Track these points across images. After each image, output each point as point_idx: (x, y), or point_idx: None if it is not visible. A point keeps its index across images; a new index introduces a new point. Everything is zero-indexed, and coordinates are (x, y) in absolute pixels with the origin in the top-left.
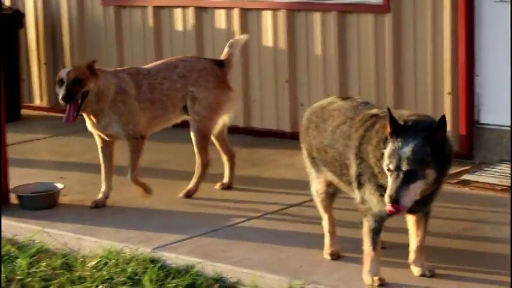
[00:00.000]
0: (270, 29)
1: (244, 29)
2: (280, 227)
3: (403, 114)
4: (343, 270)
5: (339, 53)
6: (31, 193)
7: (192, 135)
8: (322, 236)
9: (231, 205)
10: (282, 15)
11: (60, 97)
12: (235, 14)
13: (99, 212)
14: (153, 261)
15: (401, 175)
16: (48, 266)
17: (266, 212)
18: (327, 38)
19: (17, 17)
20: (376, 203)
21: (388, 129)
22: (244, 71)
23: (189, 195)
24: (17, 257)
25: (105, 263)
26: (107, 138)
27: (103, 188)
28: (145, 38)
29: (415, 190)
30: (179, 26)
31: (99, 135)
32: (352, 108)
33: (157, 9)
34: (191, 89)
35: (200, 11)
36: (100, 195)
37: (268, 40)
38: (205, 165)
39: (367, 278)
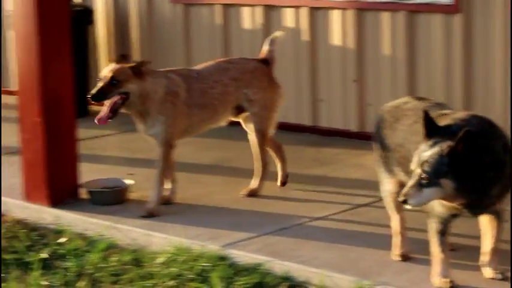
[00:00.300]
0: (338, 28)
1: (312, 28)
2: (348, 227)
3: (457, 117)
4: (412, 272)
5: (408, 53)
6: (101, 188)
7: (253, 135)
8: (391, 237)
9: (299, 204)
10: (350, 14)
11: (89, 94)
12: (304, 12)
13: (167, 208)
14: (221, 258)
15: (416, 176)
16: (118, 261)
17: (334, 211)
18: (395, 38)
19: (86, 14)
20: (437, 204)
21: (424, 131)
22: (311, 70)
23: (252, 194)
24: (87, 252)
25: (174, 260)
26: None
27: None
28: (213, 36)
29: (428, 195)
30: (247, 24)
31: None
32: (426, 108)
33: (225, 7)
34: (245, 91)
35: (268, 9)
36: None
37: (336, 39)
38: (267, 165)
39: (436, 280)
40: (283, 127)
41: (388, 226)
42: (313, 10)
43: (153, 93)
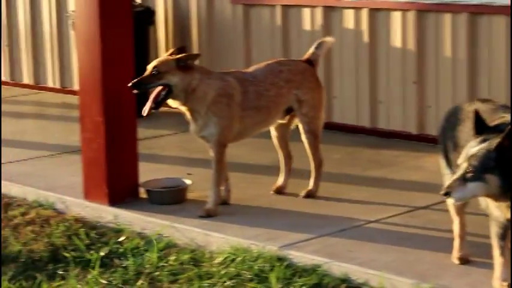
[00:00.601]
0: (399, 29)
1: (372, 30)
2: (406, 229)
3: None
4: (472, 275)
5: (469, 55)
6: (160, 188)
7: (304, 136)
8: (450, 239)
9: (357, 206)
10: (411, 15)
11: (130, 83)
12: (364, 14)
13: (225, 208)
14: (279, 259)
15: (461, 170)
16: (176, 261)
17: (392, 213)
18: (457, 40)
19: (147, 15)
20: (494, 208)
21: (473, 129)
22: (371, 71)
23: (311, 195)
24: (146, 251)
25: (232, 260)
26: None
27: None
28: (272, 37)
29: (472, 189)
30: (307, 25)
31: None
32: (490, 110)
33: (285, 8)
34: (295, 92)
35: (329, 10)
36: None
37: (396, 41)
38: (321, 164)
39: (496, 284)
40: (342, 128)
41: (448, 229)
42: (374, 11)
43: (202, 93)
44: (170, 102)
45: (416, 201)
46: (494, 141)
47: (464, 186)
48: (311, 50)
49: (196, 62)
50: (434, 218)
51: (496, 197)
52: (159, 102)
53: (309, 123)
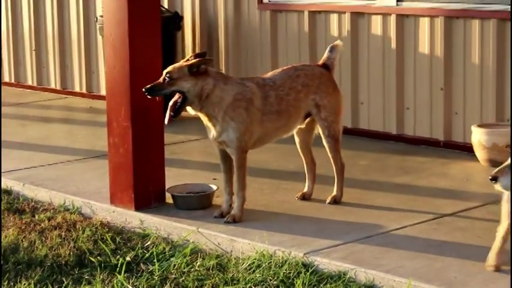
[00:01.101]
0: (427, 35)
1: (399, 36)
2: (434, 236)
3: None
4: (499, 283)
5: (497, 62)
6: (186, 193)
7: (325, 141)
8: (478, 247)
9: (383, 212)
10: (439, 22)
11: (144, 88)
12: (392, 20)
13: (251, 214)
14: (305, 265)
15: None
16: (202, 266)
17: (419, 220)
18: (485, 46)
19: (175, 20)
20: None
21: None
22: (399, 77)
23: (337, 201)
24: (172, 256)
25: (258, 265)
26: (219, 146)
27: (232, 200)
28: (300, 42)
29: None
30: (334, 31)
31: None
32: None
33: (313, 13)
34: (312, 97)
35: (356, 16)
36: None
37: (424, 47)
38: (343, 168)
39: None
40: (369, 135)
41: (475, 236)
42: (402, 17)
43: (218, 99)
44: (188, 109)
45: (443, 208)
46: None
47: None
48: (325, 54)
49: (221, 68)
50: (461, 225)
51: None
52: (177, 110)
53: (328, 128)
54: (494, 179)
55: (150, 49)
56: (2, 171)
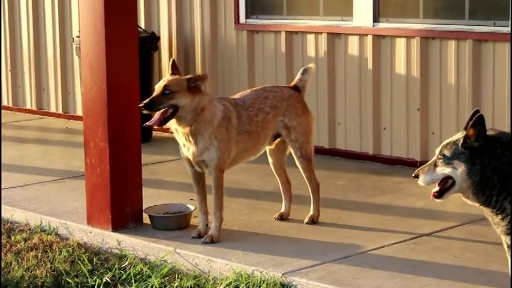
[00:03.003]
0: (403, 56)
1: (376, 56)
2: (411, 256)
3: None
4: None
5: (473, 82)
6: (163, 214)
7: (297, 162)
8: (455, 266)
9: (361, 232)
10: (415, 42)
11: (141, 104)
12: (368, 40)
13: (229, 234)
14: (283, 285)
15: (433, 158)
16: (179, 287)
17: (396, 240)
18: (461, 67)
19: (152, 40)
20: None
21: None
22: (375, 98)
23: (314, 221)
24: (149, 276)
25: (236, 286)
26: (196, 167)
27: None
28: (277, 62)
29: (440, 174)
30: (311, 52)
31: (191, 164)
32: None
33: (289, 34)
34: (281, 118)
35: (333, 36)
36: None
37: (400, 67)
38: (318, 187)
39: None
40: (345, 155)
41: (453, 256)
42: (378, 38)
43: (211, 115)
44: (171, 122)
45: (421, 228)
46: (463, 133)
47: (434, 171)
48: (297, 76)
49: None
50: (438, 245)
51: (467, 193)
52: (166, 119)
53: (300, 149)
54: (416, 176)
55: (127, 69)
56: None
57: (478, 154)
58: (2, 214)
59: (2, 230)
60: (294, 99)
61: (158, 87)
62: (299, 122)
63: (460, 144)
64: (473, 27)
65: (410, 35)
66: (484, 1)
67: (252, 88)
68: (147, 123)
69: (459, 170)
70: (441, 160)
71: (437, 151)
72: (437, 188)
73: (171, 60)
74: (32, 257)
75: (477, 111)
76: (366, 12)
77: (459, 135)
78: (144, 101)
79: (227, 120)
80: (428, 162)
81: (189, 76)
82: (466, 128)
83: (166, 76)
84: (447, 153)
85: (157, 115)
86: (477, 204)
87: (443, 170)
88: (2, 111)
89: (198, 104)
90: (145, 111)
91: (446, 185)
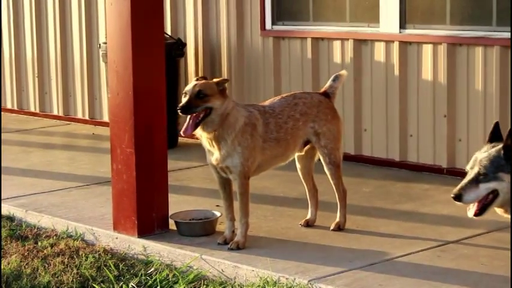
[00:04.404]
0: (430, 62)
1: (403, 62)
2: (438, 264)
3: None
4: None
5: (500, 89)
6: (189, 220)
7: (326, 168)
8: (482, 274)
9: (387, 239)
10: (442, 48)
11: (178, 107)
12: (395, 47)
13: (254, 240)
14: None
15: (472, 174)
16: None
17: (423, 247)
18: (488, 73)
19: (178, 46)
20: None
21: (488, 137)
22: (402, 104)
23: (340, 227)
24: (175, 283)
25: None
26: (221, 173)
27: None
28: (303, 69)
29: (485, 190)
30: (337, 58)
31: (217, 170)
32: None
33: (316, 40)
34: (311, 125)
35: (359, 43)
36: (238, 236)
37: (427, 74)
38: (345, 194)
39: None
40: (372, 162)
41: (479, 263)
42: (405, 44)
43: (234, 120)
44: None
45: (447, 235)
46: (500, 144)
47: (477, 188)
48: (328, 83)
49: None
50: (465, 253)
51: (507, 204)
52: (198, 123)
53: (329, 155)
54: (458, 197)
55: (154, 75)
56: (5, 197)
57: None
58: (29, 220)
59: (29, 235)
60: (324, 106)
61: (191, 91)
62: (329, 128)
63: (502, 155)
64: (500, 33)
65: (437, 42)
66: None
67: (281, 95)
68: (184, 133)
69: (505, 181)
70: (483, 175)
71: (471, 167)
72: (476, 207)
73: (223, 79)
74: (58, 262)
75: (497, 123)
76: (393, 18)
77: (491, 149)
78: (181, 104)
79: (251, 126)
80: (464, 181)
81: (217, 80)
82: (489, 140)
83: (193, 81)
84: (489, 167)
85: (189, 121)
86: None
87: (487, 185)
88: (29, 117)
89: (226, 108)
90: (182, 114)
91: (487, 201)
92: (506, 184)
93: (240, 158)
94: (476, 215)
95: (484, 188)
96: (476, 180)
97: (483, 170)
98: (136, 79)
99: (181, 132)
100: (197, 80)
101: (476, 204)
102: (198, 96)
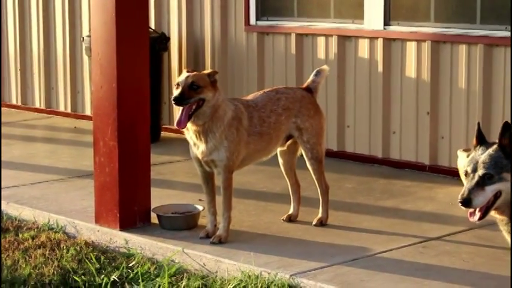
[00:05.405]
0: (414, 59)
1: (386, 59)
2: (420, 260)
3: None
4: None
5: (483, 87)
6: (171, 213)
7: (308, 163)
8: (463, 271)
9: (369, 235)
10: (426, 46)
11: (172, 98)
12: (379, 43)
13: (237, 235)
14: (291, 287)
15: (476, 178)
16: (187, 287)
17: (405, 243)
18: (471, 71)
19: (162, 40)
20: None
21: (475, 140)
22: (385, 101)
23: (323, 223)
24: (157, 276)
25: (244, 287)
26: (205, 166)
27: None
28: (286, 65)
29: (491, 192)
30: (321, 54)
31: (200, 164)
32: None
33: (300, 36)
34: (293, 120)
35: (343, 39)
36: (220, 231)
37: (411, 71)
38: (327, 190)
39: None
40: (354, 158)
41: (461, 260)
42: (389, 41)
43: (223, 113)
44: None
45: (429, 231)
46: (494, 145)
47: (484, 191)
48: (310, 78)
49: None
50: (447, 249)
51: (505, 205)
52: (191, 115)
53: (311, 150)
54: (466, 202)
55: (137, 69)
56: None
57: None
58: (11, 212)
59: (10, 227)
60: (307, 101)
61: (183, 82)
62: (311, 124)
63: (502, 155)
64: (484, 31)
65: (421, 39)
66: (496, 6)
67: (264, 90)
68: (178, 125)
69: (509, 181)
70: (487, 177)
71: (472, 170)
72: (480, 211)
73: (213, 71)
74: (39, 255)
75: (479, 124)
76: (377, 15)
77: (488, 150)
78: (174, 95)
79: (237, 120)
80: (470, 185)
81: (208, 71)
82: (478, 143)
83: (184, 72)
84: (491, 168)
85: (182, 113)
86: (505, 218)
87: (493, 186)
88: (11, 109)
89: (217, 99)
90: (176, 106)
91: (489, 203)
92: (509, 184)
93: (226, 151)
94: (480, 219)
95: (491, 190)
96: (482, 183)
97: (488, 171)
98: (120, 72)
99: (175, 125)
100: (188, 71)
101: (479, 208)
102: (191, 87)
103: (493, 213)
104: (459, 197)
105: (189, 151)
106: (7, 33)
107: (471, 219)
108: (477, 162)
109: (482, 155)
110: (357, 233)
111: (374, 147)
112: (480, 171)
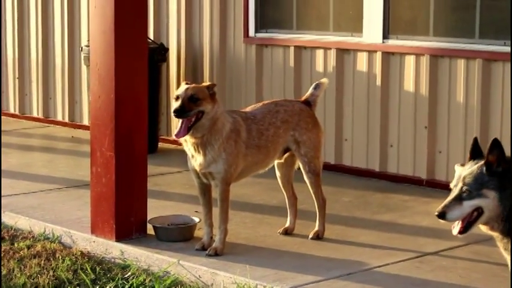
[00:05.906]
0: (412, 73)
1: (385, 73)
2: (416, 275)
3: None
4: None
5: (482, 101)
6: (167, 225)
7: (306, 176)
8: (460, 286)
9: (366, 249)
10: (425, 60)
11: (172, 110)
12: (378, 57)
13: (233, 247)
14: None
15: (456, 191)
16: None
17: (401, 258)
18: (470, 85)
19: (161, 51)
20: None
21: (469, 154)
22: (383, 114)
23: (319, 236)
24: (152, 287)
25: None
26: (202, 178)
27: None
28: (285, 77)
29: (469, 208)
30: (320, 67)
31: (198, 176)
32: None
33: (298, 49)
34: (291, 133)
35: (342, 52)
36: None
37: (409, 85)
38: (324, 203)
39: None
40: (352, 171)
41: (457, 275)
42: (387, 55)
43: (221, 125)
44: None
45: (426, 246)
46: (481, 160)
47: (461, 205)
48: (309, 91)
49: None
50: (443, 264)
51: (492, 222)
52: (190, 127)
53: (309, 163)
54: (442, 215)
55: (136, 79)
56: None
57: (505, 179)
58: (7, 221)
59: (6, 236)
60: (305, 114)
61: (183, 95)
62: (309, 137)
63: (484, 172)
64: (483, 46)
65: (420, 53)
66: (495, 20)
67: (263, 102)
68: (177, 136)
69: (490, 198)
70: (466, 192)
71: (455, 184)
72: (460, 225)
73: (212, 84)
74: (34, 264)
75: (475, 139)
76: (376, 28)
77: (474, 166)
78: (175, 108)
79: (236, 133)
80: (448, 199)
81: (207, 84)
82: (471, 158)
83: (182, 84)
84: (472, 183)
85: (182, 125)
86: (499, 235)
87: (471, 202)
88: (9, 118)
89: (216, 112)
90: (177, 118)
91: (471, 218)
92: (490, 201)
93: (224, 164)
94: (460, 233)
95: (468, 205)
96: (460, 198)
97: (466, 187)
98: (119, 82)
99: (174, 136)
100: (187, 84)
101: (460, 222)
102: (191, 99)
103: (484, 229)
104: (436, 209)
105: (187, 162)
106: (6, 42)
107: (453, 232)
108: (460, 176)
109: (466, 170)
110: (354, 247)
111: (371, 160)
112: (459, 186)
